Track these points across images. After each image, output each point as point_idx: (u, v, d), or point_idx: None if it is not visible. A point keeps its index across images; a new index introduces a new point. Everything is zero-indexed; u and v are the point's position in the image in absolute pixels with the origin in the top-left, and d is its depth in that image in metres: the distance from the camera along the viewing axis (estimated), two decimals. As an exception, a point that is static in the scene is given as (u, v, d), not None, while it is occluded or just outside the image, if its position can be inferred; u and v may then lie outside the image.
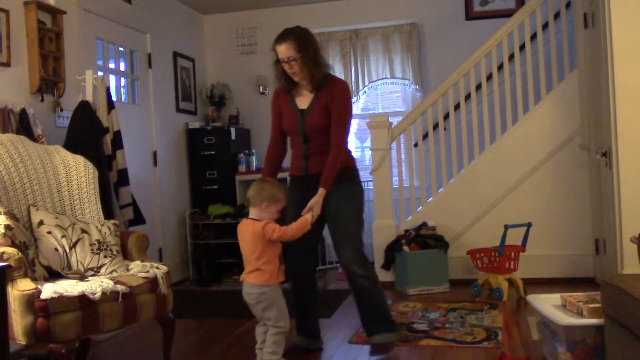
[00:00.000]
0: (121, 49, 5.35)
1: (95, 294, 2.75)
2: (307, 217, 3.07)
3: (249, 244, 3.02)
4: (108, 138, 4.21)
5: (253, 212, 3.04)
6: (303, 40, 3.17)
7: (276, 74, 3.35)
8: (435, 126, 5.54)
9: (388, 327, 3.31)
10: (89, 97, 4.20)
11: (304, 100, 3.29)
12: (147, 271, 3.13)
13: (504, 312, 4.14)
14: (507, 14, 5.64)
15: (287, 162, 3.50)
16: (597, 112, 4.53)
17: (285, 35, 3.18)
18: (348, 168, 3.30)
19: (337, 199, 3.22)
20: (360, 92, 6.36)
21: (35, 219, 3.12)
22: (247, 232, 3.02)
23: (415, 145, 5.84)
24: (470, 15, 6.17)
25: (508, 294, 4.51)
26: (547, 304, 3.05)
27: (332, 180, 3.16)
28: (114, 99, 4.35)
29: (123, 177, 4.27)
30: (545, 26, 5.29)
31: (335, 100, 3.19)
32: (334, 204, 3.22)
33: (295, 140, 3.34)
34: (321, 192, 3.14)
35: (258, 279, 3.01)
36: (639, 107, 3.79)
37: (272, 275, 3.01)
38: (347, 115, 3.23)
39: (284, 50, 3.16)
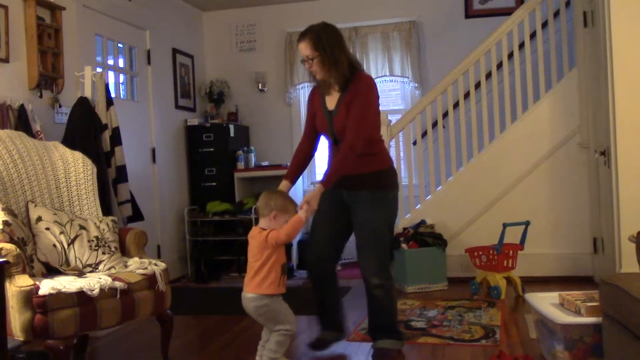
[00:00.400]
0: (120, 45, 5.34)
1: (93, 290, 2.75)
2: (301, 214, 2.99)
3: (255, 252, 3.01)
4: (107, 134, 4.20)
5: (262, 222, 3.04)
6: (320, 38, 3.04)
7: (308, 73, 3.25)
8: (435, 124, 5.54)
9: (394, 335, 3.28)
10: (87, 94, 4.19)
11: (332, 100, 3.17)
12: (146, 268, 3.14)
13: (502, 310, 4.15)
14: (507, 12, 5.63)
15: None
16: (597, 111, 4.53)
17: (303, 33, 3.09)
18: (380, 172, 3.17)
19: (366, 205, 3.14)
20: (360, 90, 6.35)
21: (34, 215, 3.12)
22: (255, 240, 3.02)
23: (414, 143, 5.84)
24: (469, 14, 6.16)
25: (506, 292, 4.52)
26: (545, 302, 3.05)
27: (335, 179, 3.02)
28: (112, 95, 4.34)
29: (122, 174, 4.26)
30: (544, 25, 5.28)
31: (357, 97, 3.05)
32: (361, 210, 3.16)
33: (329, 142, 3.26)
34: (318, 187, 3.01)
35: (258, 288, 2.98)
36: (638, 106, 3.79)
37: (272, 284, 2.97)
38: (365, 112, 3.05)
39: (302, 48, 3.08)
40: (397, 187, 3.25)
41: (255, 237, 3.01)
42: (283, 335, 3.01)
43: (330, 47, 3.05)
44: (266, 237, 2.96)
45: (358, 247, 3.23)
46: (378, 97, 3.16)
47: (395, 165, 3.31)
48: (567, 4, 5.16)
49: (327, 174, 3.05)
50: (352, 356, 3.37)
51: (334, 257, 3.40)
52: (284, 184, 3.22)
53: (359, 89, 3.06)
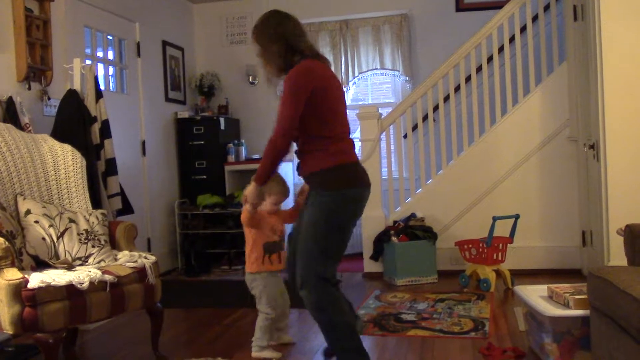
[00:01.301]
0: (110, 37, 5.31)
1: (82, 283, 2.75)
2: (246, 207, 2.98)
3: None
4: (96, 127, 4.18)
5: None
6: (257, 31, 2.89)
7: None
8: (425, 117, 5.55)
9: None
10: (76, 86, 4.16)
11: None
12: (135, 261, 3.13)
13: (491, 302, 4.17)
14: (497, 5, 5.63)
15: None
16: (586, 104, 4.55)
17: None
18: (319, 172, 2.78)
19: (306, 210, 2.87)
20: (350, 83, 6.35)
21: (23, 208, 3.10)
22: None
23: (405, 136, 5.85)
24: (460, 7, 6.16)
25: (495, 285, 4.54)
26: (534, 295, 3.07)
27: (261, 174, 2.80)
28: (102, 87, 4.31)
29: (111, 167, 4.24)
30: (535, 18, 5.30)
31: (284, 85, 2.77)
32: (304, 215, 2.90)
33: None
34: (252, 183, 2.86)
35: (250, 267, 3.20)
36: (627, 100, 3.81)
37: (254, 263, 3.15)
38: (283, 102, 2.70)
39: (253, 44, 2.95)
40: (339, 188, 2.75)
41: None
42: (264, 320, 3.15)
43: (265, 38, 2.85)
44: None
45: None
46: (315, 84, 2.72)
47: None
48: (557, -2, 5.17)
49: (257, 171, 2.83)
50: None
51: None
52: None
53: (285, 79, 2.76)
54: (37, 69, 4.14)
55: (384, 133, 5.35)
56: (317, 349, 3.40)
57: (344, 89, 6.10)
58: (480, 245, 4.60)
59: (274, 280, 3.18)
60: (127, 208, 4.40)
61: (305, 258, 2.75)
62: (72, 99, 4.07)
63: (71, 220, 3.18)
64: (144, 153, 5.63)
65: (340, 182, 2.76)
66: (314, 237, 2.75)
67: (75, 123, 4.02)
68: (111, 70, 5.39)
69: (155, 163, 5.82)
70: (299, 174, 2.93)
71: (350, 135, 2.91)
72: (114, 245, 3.33)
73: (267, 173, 2.80)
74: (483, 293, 4.45)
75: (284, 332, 3.44)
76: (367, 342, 3.47)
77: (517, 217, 4.67)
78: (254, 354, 3.13)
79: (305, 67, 2.75)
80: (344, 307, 2.80)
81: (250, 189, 2.90)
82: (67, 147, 3.52)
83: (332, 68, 6.17)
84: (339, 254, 2.80)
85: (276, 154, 2.74)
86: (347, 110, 2.97)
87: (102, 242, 3.22)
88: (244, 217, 3.09)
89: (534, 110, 5.09)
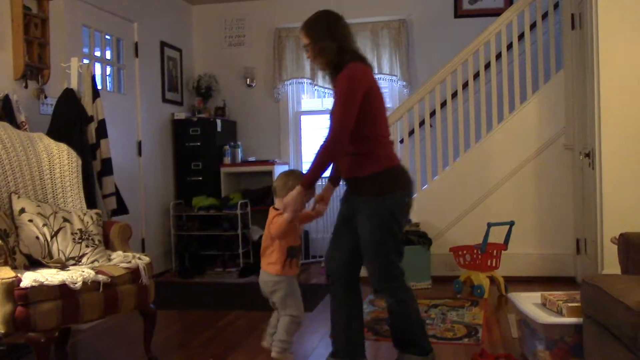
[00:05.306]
0: (108, 37, 5.30)
1: (76, 283, 2.74)
2: (284, 216, 2.86)
3: (265, 232, 3.05)
4: (92, 127, 4.18)
5: (277, 202, 3.01)
6: (311, 26, 2.89)
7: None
8: (422, 123, 5.56)
9: (416, 350, 2.94)
10: (74, 85, 4.15)
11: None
12: (129, 261, 3.12)
13: (484, 309, 4.17)
14: (496, 12, 5.65)
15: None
16: (582, 113, 4.57)
17: (304, 22, 2.96)
18: (373, 176, 2.80)
19: (363, 216, 2.83)
20: (348, 87, 6.35)
21: (17, 207, 3.09)
22: (268, 220, 3.03)
23: (401, 141, 5.85)
24: (459, 13, 6.18)
25: (489, 291, 4.55)
26: (528, 302, 3.08)
27: (311, 178, 2.75)
28: (99, 87, 4.31)
29: (107, 167, 4.24)
30: (533, 26, 5.31)
31: (336, 88, 2.80)
32: (360, 220, 2.85)
33: None
34: (297, 188, 2.78)
35: (271, 268, 3.03)
36: (623, 108, 3.83)
37: (280, 266, 3.00)
38: (338, 103, 2.72)
39: (301, 36, 2.96)
40: (398, 189, 2.82)
41: (268, 218, 3.02)
42: (291, 322, 3.02)
43: (319, 35, 2.86)
44: (269, 224, 2.99)
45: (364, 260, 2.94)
46: (366, 87, 2.77)
47: (398, 165, 2.89)
48: (556, 6, 5.19)
49: (305, 174, 2.82)
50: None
51: (352, 265, 3.00)
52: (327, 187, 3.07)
53: (338, 78, 2.79)
54: (35, 68, 4.14)
55: (380, 138, 5.35)
56: (308, 347, 3.40)
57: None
58: (475, 251, 4.61)
59: (288, 282, 3.05)
60: (121, 208, 4.39)
61: (382, 263, 2.84)
62: (69, 98, 4.07)
63: (65, 220, 3.17)
64: (140, 153, 5.62)
65: (394, 182, 2.83)
66: (386, 241, 2.81)
67: (72, 122, 4.02)
68: (108, 70, 5.39)
69: (151, 164, 5.81)
70: (343, 175, 2.94)
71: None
72: (108, 245, 3.32)
73: (316, 178, 2.77)
74: (477, 299, 4.45)
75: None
76: (360, 346, 3.47)
77: (512, 223, 4.68)
78: (276, 355, 3.01)
79: (357, 69, 2.79)
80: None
81: (293, 196, 2.78)
82: (63, 146, 3.51)
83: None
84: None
85: (328, 159, 2.75)
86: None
87: (96, 242, 3.21)
88: (279, 227, 2.89)
89: (530, 117, 5.10)
